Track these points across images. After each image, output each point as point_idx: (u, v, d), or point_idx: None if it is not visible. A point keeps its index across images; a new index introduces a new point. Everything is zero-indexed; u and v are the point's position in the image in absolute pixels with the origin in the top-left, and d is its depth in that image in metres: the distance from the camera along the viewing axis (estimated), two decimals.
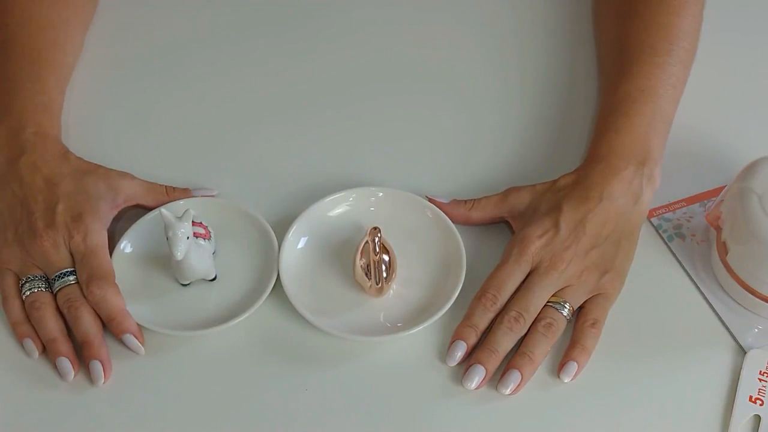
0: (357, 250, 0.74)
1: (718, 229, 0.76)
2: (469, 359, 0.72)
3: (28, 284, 0.73)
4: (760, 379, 0.71)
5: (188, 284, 0.76)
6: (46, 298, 0.73)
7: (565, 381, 0.72)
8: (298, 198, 0.81)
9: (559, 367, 0.72)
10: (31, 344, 0.72)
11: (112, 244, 0.77)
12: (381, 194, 0.80)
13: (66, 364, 0.71)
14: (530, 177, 0.82)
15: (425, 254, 0.77)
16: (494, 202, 0.79)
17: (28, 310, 0.73)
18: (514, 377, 0.71)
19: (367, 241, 0.74)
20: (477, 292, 0.74)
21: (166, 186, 0.80)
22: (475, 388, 0.71)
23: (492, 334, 0.73)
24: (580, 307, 0.75)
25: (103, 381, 0.71)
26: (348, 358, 0.73)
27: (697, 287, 0.77)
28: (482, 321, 0.73)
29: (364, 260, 0.74)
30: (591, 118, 0.86)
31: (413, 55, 0.93)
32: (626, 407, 0.71)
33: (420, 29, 0.95)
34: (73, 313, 0.72)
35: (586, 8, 0.95)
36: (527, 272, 0.74)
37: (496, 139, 0.87)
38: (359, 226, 0.79)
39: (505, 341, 0.72)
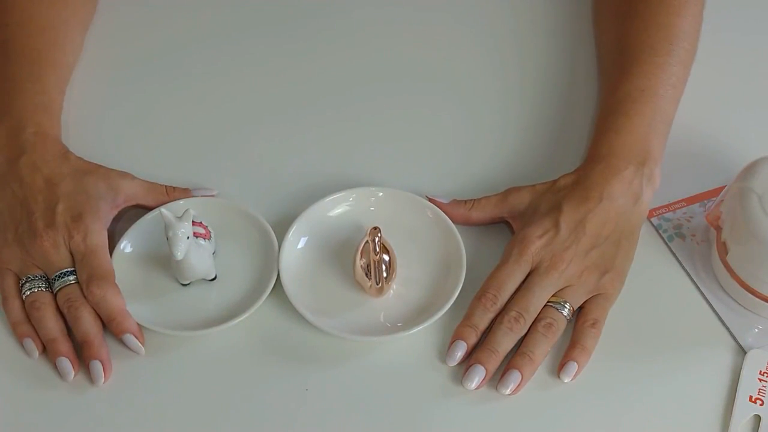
0: (357, 250, 0.74)
1: (718, 229, 0.76)
2: (469, 359, 0.72)
3: (28, 284, 0.73)
4: (760, 379, 0.71)
5: (188, 284, 0.76)
6: (46, 298, 0.73)
7: (565, 381, 0.72)
8: (298, 198, 0.81)
9: (559, 367, 0.72)
10: (31, 344, 0.72)
11: (112, 244, 0.77)
12: (381, 194, 0.80)
13: (66, 364, 0.71)
14: (530, 177, 0.82)
15: (425, 254, 0.77)
16: (494, 202, 0.79)
17: (28, 310, 0.73)
18: (514, 377, 0.71)
19: (367, 241, 0.74)
20: (477, 292, 0.74)
21: (166, 186, 0.80)
22: (475, 388, 0.71)
23: (492, 334, 0.73)
24: (580, 307, 0.75)
25: (103, 381, 0.71)
26: (348, 358, 0.73)
27: (697, 287, 0.77)
28: (482, 321, 0.73)
29: (364, 260, 0.74)
30: (591, 118, 0.86)
31: (413, 55, 0.93)
32: (626, 407, 0.71)
33: (420, 29, 0.95)
34: (73, 313, 0.72)
35: (586, 8, 0.95)
36: (527, 272, 0.74)
37: (496, 139, 0.87)
38: (359, 226, 0.79)
39: (505, 341, 0.72)
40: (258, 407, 0.71)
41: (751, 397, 0.71)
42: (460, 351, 0.72)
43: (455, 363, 0.72)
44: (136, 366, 0.72)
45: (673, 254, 0.79)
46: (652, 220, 0.81)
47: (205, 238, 0.74)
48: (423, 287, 0.76)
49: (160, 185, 0.80)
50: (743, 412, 0.70)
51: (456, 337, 0.73)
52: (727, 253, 0.74)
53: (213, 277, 0.76)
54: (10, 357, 0.73)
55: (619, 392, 0.72)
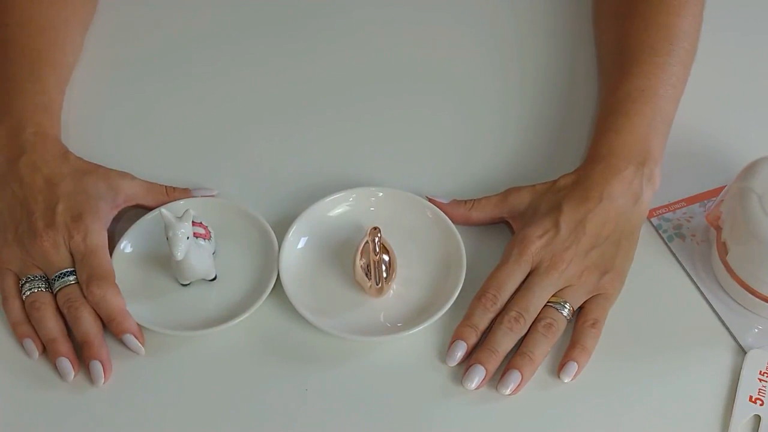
0: (357, 250, 0.74)
1: (718, 229, 0.76)
2: (469, 359, 0.72)
3: (28, 284, 0.73)
4: (760, 379, 0.71)
5: (188, 284, 0.76)
6: (46, 298, 0.73)
7: (565, 381, 0.72)
8: (298, 198, 0.81)
9: (559, 367, 0.72)
10: (31, 344, 0.72)
11: (112, 244, 0.77)
12: (381, 194, 0.80)
13: (66, 364, 0.71)
14: (530, 177, 0.82)
15: (425, 254, 0.77)
16: (494, 202, 0.79)
17: (28, 310, 0.73)
18: (514, 377, 0.71)
19: (367, 241, 0.74)
20: (477, 292, 0.74)
21: (166, 186, 0.80)
22: (475, 388, 0.71)
23: (492, 334, 0.72)
24: (580, 308, 0.75)
25: (103, 381, 0.71)
26: (348, 358, 0.73)
27: (697, 287, 0.77)
28: (482, 321, 0.73)
29: (364, 260, 0.74)
30: (591, 118, 0.86)
31: (413, 55, 0.93)
32: (626, 407, 0.71)
33: (420, 29, 0.95)
34: (73, 313, 0.72)
35: (586, 8, 0.95)
36: (527, 272, 0.74)
37: (496, 139, 0.87)
38: (359, 226, 0.79)
39: (505, 341, 0.72)
40: (258, 407, 0.71)
41: (751, 397, 0.71)
42: (460, 351, 0.72)
43: (455, 363, 0.72)
44: (136, 366, 0.72)
45: (673, 254, 0.79)
46: (652, 220, 0.81)
47: (205, 238, 0.74)
48: (423, 287, 0.76)
49: (160, 185, 0.80)
50: (743, 412, 0.70)
51: (456, 337, 0.73)
52: (727, 253, 0.74)
53: (213, 277, 0.76)
54: (10, 357, 0.73)
55: (619, 392, 0.72)
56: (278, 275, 0.75)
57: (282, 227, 0.77)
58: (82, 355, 0.72)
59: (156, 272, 0.76)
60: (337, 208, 0.80)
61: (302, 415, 0.70)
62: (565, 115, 0.88)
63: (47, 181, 0.77)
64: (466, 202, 0.79)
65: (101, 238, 0.75)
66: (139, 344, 0.72)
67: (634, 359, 0.73)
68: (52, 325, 0.72)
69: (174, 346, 0.73)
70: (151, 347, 0.73)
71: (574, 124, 0.87)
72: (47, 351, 0.72)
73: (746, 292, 0.74)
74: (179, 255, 0.71)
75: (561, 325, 0.73)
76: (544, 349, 0.72)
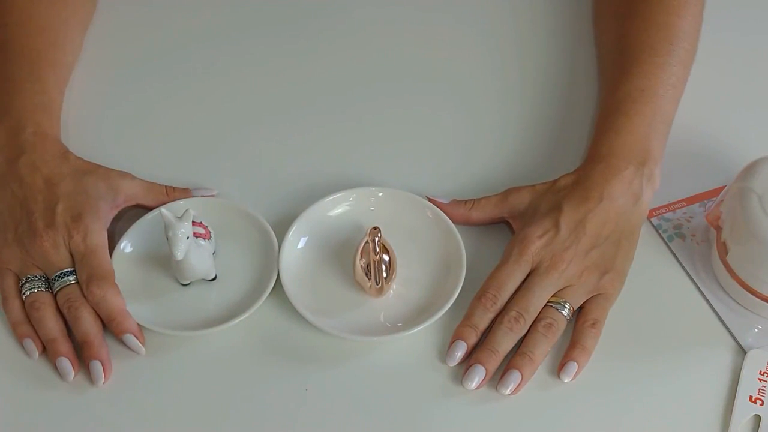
0: (357, 250, 0.74)
1: (718, 229, 0.76)
2: (469, 359, 0.72)
3: (28, 284, 0.73)
4: (760, 379, 0.71)
5: (188, 284, 0.76)
6: (46, 298, 0.73)
7: (565, 381, 0.72)
8: (298, 198, 0.81)
9: (559, 367, 0.72)
10: (31, 344, 0.72)
11: (112, 244, 0.77)
12: (381, 194, 0.80)
13: (66, 364, 0.71)
14: (530, 177, 0.82)
15: (425, 254, 0.77)
16: (494, 202, 0.79)
17: (28, 310, 0.73)
18: (514, 377, 0.71)
19: (367, 241, 0.74)
20: (477, 292, 0.74)
21: (166, 186, 0.80)
22: (475, 388, 0.71)
23: (492, 334, 0.72)
24: (580, 308, 0.75)
25: (103, 381, 0.71)
26: (348, 358, 0.73)
27: (697, 287, 0.77)
28: (482, 321, 0.73)
29: (364, 260, 0.74)
30: (591, 118, 0.86)
31: (413, 55, 0.93)
32: (626, 407, 0.71)
33: (420, 29, 0.95)
34: (73, 313, 0.72)
35: (586, 8, 0.95)
36: (527, 272, 0.74)
37: (496, 139, 0.87)
38: (359, 226, 0.79)
39: (505, 341, 0.72)
40: (258, 407, 0.71)
41: (751, 397, 0.71)
42: (460, 351, 0.72)
43: (455, 363, 0.72)
44: (136, 366, 0.72)
45: (673, 254, 0.79)
46: (652, 220, 0.81)
47: (205, 238, 0.74)
48: (423, 287, 0.76)
49: (160, 185, 0.80)
50: (743, 412, 0.70)
51: (456, 337, 0.73)
52: (727, 253, 0.74)
53: (213, 277, 0.76)
54: (10, 357, 0.73)
55: (619, 392, 0.72)
56: (278, 275, 0.75)
57: (282, 227, 0.77)
58: (82, 355, 0.72)
59: (156, 272, 0.76)
60: (337, 208, 0.80)
61: (302, 415, 0.70)
62: (565, 115, 0.88)
63: (47, 181, 0.77)
64: (466, 202, 0.79)
65: (101, 238, 0.75)
66: (140, 344, 0.72)
67: (634, 359, 0.73)
68: (52, 325, 0.72)
69: (174, 346, 0.73)
70: (151, 347, 0.73)
71: (574, 124, 0.87)
72: (47, 351, 0.72)
73: (746, 292, 0.74)
74: (179, 255, 0.70)
75: (561, 325, 0.73)
76: (544, 349, 0.72)
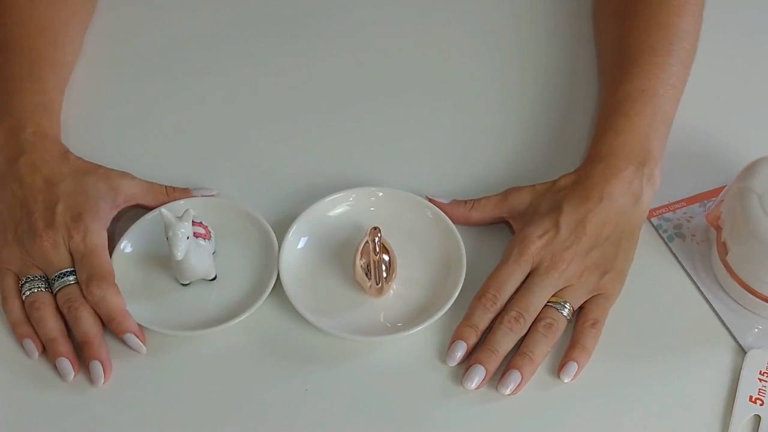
0: (357, 250, 0.74)
1: (718, 229, 0.76)
2: (469, 359, 0.72)
3: (27, 284, 0.73)
4: (760, 379, 0.71)
5: (188, 284, 0.76)
6: (46, 299, 0.73)
7: (565, 381, 0.72)
8: (298, 198, 0.81)
9: (559, 367, 0.72)
10: (31, 344, 0.72)
11: (112, 244, 0.77)
12: (381, 194, 0.80)
13: (66, 364, 0.71)
14: (530, 177, 0.82)
15: (425, 254, 0.77)
16: (494, 202, 0.79)
17: (28, 310, 0.73)
18: (514, 377, 0.71)
19: (367, 241, 0.74)
20: (477, 292, 0.74)
21: (166, 186, 0.80)
22: (475, 388, 0.71)
23: (492, 334, 0.72)
24: (580, 308, 0.75)
25: (103, 381, 0.71)
26: (348, 358, 0.73)
27: (697, 287, 0.77)
28: (482, 321, 0.73)
29: (364, 260, 0.74)
30: (591, 118, 0.86)
31: (414, 55, 0.93)
32: (626, 407, 0.71)
33: (420, 29, 0.95)
34: (73, 313, 0.72)
35: (586, 8, 0.95)
36: (527, 272, 0.74)
37: (496, 139, 0.87)
38: (359, 226, 0.79)
39: (505, 341, 0.72)
40: (258, 407, 0.71)
41: (751, 397, 0.71)
42: (460, 351, 0.72)
43: (455, 363, 0.72)
44: (136, 366, 0.72)
45: (673, 254, 0.79)
46: (652, 220, 0.81)
47: (205, 238, 0.74)
48: (423, 287, 0.76)
49: (160, 185, 0.80)
50: (743, 412, 0.70)
51: (456, 337, 0.73)
52: (727, 253, 0.74)
53: (213, 277, 0.76)
54: (10, 357, 0.73)
55: (619, 392, 0.72)
56: (278, 275, 0.75)
57: (282, 227, 0.77)
58: (82, 355, 0.72)
59: (156, 272, 0.76)
60: (337, 208, 0.80)
61: (302, 415, 0.70)
62: (565, 115, 0.88)
63: (47, 181, 0.77)
64: (466, 202, 0.79)
65: (101, 238, 0.75)
66: (140, 343, 0.72)
67: (634, 359, 0.73)
68: (51, 325, 0.72)
69: (174, 346, 0.73)
70: (151, 347, 0.73)
71: (574, 124, 0.87)
72: (47, 351, 0.72)
73: (746, 292, 0.74)
74: (179, 255, 0.71)
75: (561, 325, 0.73)
76: (544, 349, 0.72)
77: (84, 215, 0.75)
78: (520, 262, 0.74)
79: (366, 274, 0.74)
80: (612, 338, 0.73)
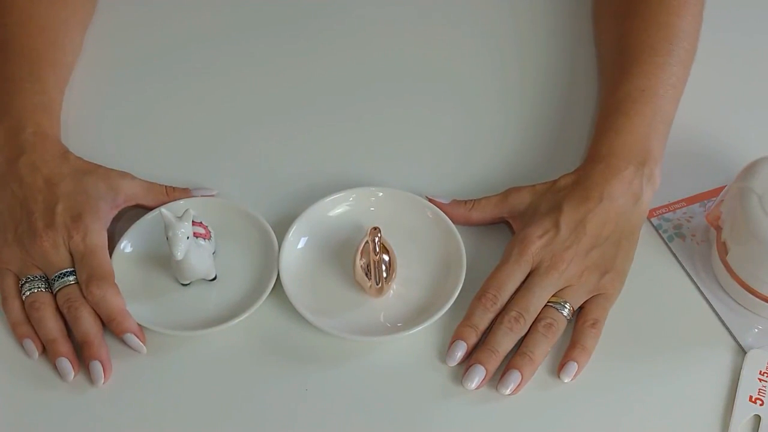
0: (357, 250, 0.74)
1: (718, 229, 0.76)
2: (469, 359, 0.72)
3: (27, 284, 0.73)
4: (760, 379, 0.71)
5: (188, 284, 0.76)
6: (46, 299, 0.73)
7: (565, 381, 0.72)
8: (298, 198, 0.81)
9: (559, 367, 0.72)
10: (31, 345, 0.72)
11: (112, 244, 0.77)
12: (381, 194, 0.80)
13: (66, 364, 0.71)
14: (530, 177, 0.82)
15: (425, 254, 0.77)
16: (494, 202, 0.79)
17: (27, 310, 0.73)
18: (514, 377, 0.71)
19: (367, 241, 0.74)
20: (477, 292, 0.74)
21: (166, 186, 0.80)
22: (475, 388, 0.71)
23: (492, 334, 0.72)
24: (581, 308, 0.75)
25: (103, 381, 0.71)
26: (348, 358, 0.73)
27: (697, 287, 0.77)
28: (482, 321, 0.73)
29: (364, 260, 0.74)
30: (591, 118, 0.86)
31: (414, 56, 0.93)
32: (626, 407, 0.71)
33: (420, 29, 0.95)
34: (72, 314, 0.72)
35: (586, 8, 0.95)
36: (527, 272, 0.74)
37: (496, 139, 0.87)
38: (359, 226, 0.79)
39: (505, 341, 0.72)
40: (258, 407, 0.71)
41: (751, 397, 0.71)
42: (460, 351, 0.72)
43: (455, 363, 0.72)
44: (136, 366, 0.72)
45: (673, 254, 0.79)
46: (652, 220, 0.81)
47: (205, 238, 0.74)
48: (423, 287, 0.76)
49: (160, 185, 0.80)
50: (743, 412, 0.70)
51: (456, 337, 0.73)
52: (727, 253, 0.74)
53: (213, 277, 0.76)
54: (10, 357, 0.73)
55: (619, 392, 0.72)
56: (278, 275, 0.75)
57: (282, 227, 0.77)
58: (82, 355, 0.72)
59: (156, 272, 0.76)
60: (337, 208, 0.80)
61: (302, 415, 0.70)
62: (565, 115, 0.88)
63: (47, 181, 0.77)
64: (466, 202, 0.79)
65: (101, 238, 0.75)
66: (141, 343, 0.72)
67: (634, 359, 0.73)
68: (51, 325, 0.72)
69: (174, 346, 0.73)
70: (151, 347, 0.73)
71: (574, 124, 0.87)
72: (47, 351, 0.72)
73: (746, 292, 0.74)
74: (179, 255, 0.70)
75: (561, 325, 0.73)
76: (544, 349, 0.72)
77: (84, 215, 0.75)
78: (520, 262, 0.74)
79: (366, 274, 0.74)
80: (612, 338, 0.73)
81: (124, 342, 0.72)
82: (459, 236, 0.77)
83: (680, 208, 0.82)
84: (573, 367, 0.71)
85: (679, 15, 0.84)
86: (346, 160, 0.85)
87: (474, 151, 0.86)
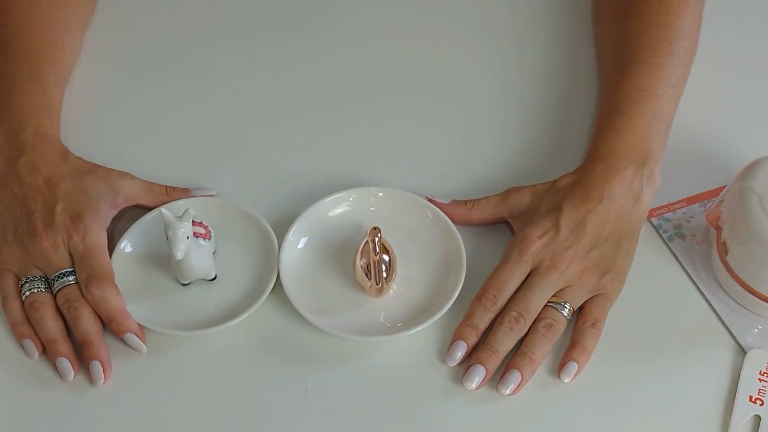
0: (357, 250, 0.74)
1: (718, 229, 0.76)
2: (470, 359, 0.72)
3: (27, 285, 0.73)
4: (760, 379, 0.71)
5: (188, 284, 0.76)
6: (46, 299, 0.73)
7: (565, 381, 0.72)
8: (298, 198, 0.81)
9: (559, 367, 0.72)
10: (31, 345, 0.72)
11: (112, 244, 0.77)
12: (381, 194, 0.80)
13: (66, 364, 0.71)
14: (530, 177, 0.82)
15: (425, 254, 0.77)
16: (494, 202, 0.79)
17: (27, 310, 0.73)
18: (514, 377, 0.71)
19: (367, 241, 0.74)
20: (477, 292, 0.74)
21: (166, 186, 0.80)
22: (475, 388, 0.71)
23: (492, 334, 0.72)
24: (581, 308, 0.75)
25: (103, 381, 0.71)
26: (348, 358, 0.73)
27: (697, 287, 0.77)
28: (482, 321, 0.73)
29: (364, 260, 0.74)
30: (591, 118, 0.86)
31: (414, 56, 0.93)
32: (626, 407, 0.71)
33: (420, 30, 0.95)
34: (72, 314, 0.72)
35: (586, 8, 0.95)
36: (527, 272, 0.74)
37: (496, 139, 0.87)
38: (359, 226, 0.79)
39: (505, 341, 0.72)
40: (258, 407, 0.71)
41: (751, 397, 0.71)
42: (460, 351, 0.72)
43: (455, 363, 0.72)
44: (136, 366, 0.72)
45: (673, 254, 0.79)
46: (652, 220, 0.81)
47: (205, 238, 0.74)
48: (423, 287, 0.76)
49: (160, 185, 0.80)
50: (743, 412, 0.70)
51: (456, 337, 0.73)
52: (727, 253, 0.74)
53: (213, 277, 0.76)
54: (10, 357, 0.73)
55: (619, 392, 0.72)
56: (278, 275, 0.75)
57: (282, 227, 0.77)
58: (82, 355, 0.72)
59: (156, 272, 0.76)
60: (337, 208, 0.80)
61: (302, 415, 0.70)
62: (565, 115, 0.88)
63: (47, 181, 0.77)
64: (466, 202, 0.79)
65: (100, 238, 0.75)
66: (141, 342, 0.72)
67: (634, 359, 0.73)
68: (51, 325, 0.72)
69: (174, 346, 0.73)
70: (151, 347, 0.73)
71: (574, 124, 0.87)
72: (47, 351, 0.72)
73: (746, 292, 0.74)
74: (179, 254, 0.70)
75: (561, 325, 0.73)
76: (544, 349, 0.72)
77: (83, 215, 0.75)
78: (520, 262, 0.74)
79: (366, 274, 0.74)
80: (612, 338, 0.73)
81: (124, 342, 0.72)
82: (459, 236, 0.77)
83: (680, 208, 0.82)
84: (573, 367, 0.71)
85: (679, 15, 0.84)
86: (346, 160, 0.85)
87: (474, 151, 0.86)
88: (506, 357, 0.72)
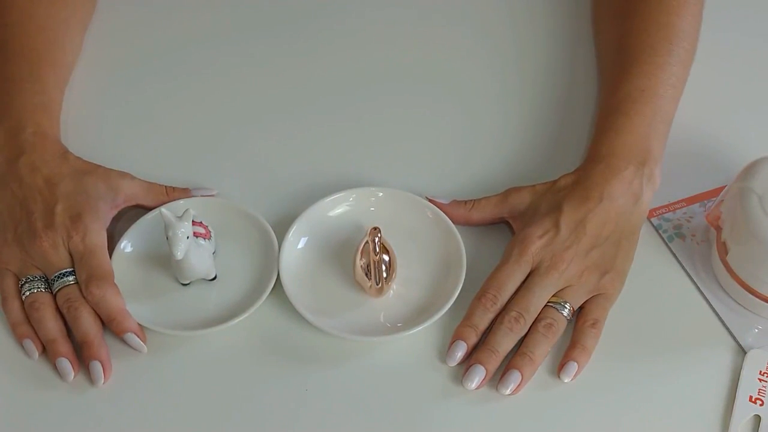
0: (357, 250, 0.74)
1: (718, 229, 0.76)
2: (470, 359, 0.72)
3: (27, 285, 0.73)
4: (760, 379, 0.71)
5: (188, 284, 0.76)
6: (46, 299, 0.73)
7: (565, 381, 0.72)
8: (298, 198, 0.81)
9: (559, 367, 0.72)
10: (30, 345, 0.72)
11: (112, 244, 0.77)
12: (381, 194, 0.80)
13: (66, 364, 0.71)
14: (530, 177, 0.82)
15: (425, 254, 0.77)
16: (494, 202, 0.79)
17: (27, 310, 0.73)
18: (515, 377, 0.71)
19: (367, 241, 0.74)
20: (477, 292, 0.74)
21: (166, 186, 0.80)
22: (475, 388, 0.71)
23: (492, 334, 0.72)
24: (581, 308, 0.75)
25: (103, 381, 0.71)
26: (348, 358, 0.73)
27: (697, 287, 0.77)
28: (482, 321, 0.73)
29: (364, 260, 0.74)
30: (591, 118, 0.86)
31: (413, 56, 0.93)
32: (626, 407, 0.71)
33: (420, 30, 0.95)
34: (72, 314, 0.72)
35: (586, 8, 0.95)
36: (527, 272, 0.74)
37: (496, 139, 0.87)
38: (359, 226, 0.79)
39: (505, 341, 0.72)
40: (258, 407, 0.71)
41: (751, 397, 0.71)
42: (460, 351, 0.72)
43: (455, 363, 0.72)
44: (137, 366, 0.72)
45: (673, 254, 0.79)
46: (652, 220, 0.81)
47: (205, 238, 0.74)
48: (423, 287, 0.76)
49: (160, 185, 0.80)
50: (743, 412, 0.70)
51: (456, 337, 0.73)
52: (727, 253, 0.74)
53: (213, 277, 0.76)
54: (10, 357, 0.73)
55: (619, 392, 0.72)
56: (278, 275, 0.75)
57: (282, 227, 0.77)
58: (81, 355, 0.72)
59: (156, 272, 0.76)
60: (337, 208, 0.80)
61: (302, 415, 0.70)
62: (565, 115, 0.88)
63: (47, 181, 0.77)
64: (466, 202, 0.79)
65: (100, 238, 0.75)
66: (141, 342, 0.72)
67: (634, 359, 0.73)
68: (51, 325, 0.72)
69: (174, 346, 0.73)
70: (152, 347, 0.73)
71: (574, 124, 0.87)
72: (47, 351, 0.72)
73: (746, 292, 0.74)
74: (179, 254, 0.71)
75: (561, 325, 0.73)
76: (544, 349, 0.72)
77: (83, 215, 0.75)
78: (520, 262, 0.74)
79: (366, 274, 0.74)
80: (612, 338, 0.73)
81: (124, 341, 0.72)
82: (459, 236, 0.77)
83: (680, 208, 0.82)
84: (573, 367, 0.71)
85: (679, 15, 0.84)
86: (346, 160, 0.85)
87: (474, 151, 0.86)
88: (506, 357, 0.72)
